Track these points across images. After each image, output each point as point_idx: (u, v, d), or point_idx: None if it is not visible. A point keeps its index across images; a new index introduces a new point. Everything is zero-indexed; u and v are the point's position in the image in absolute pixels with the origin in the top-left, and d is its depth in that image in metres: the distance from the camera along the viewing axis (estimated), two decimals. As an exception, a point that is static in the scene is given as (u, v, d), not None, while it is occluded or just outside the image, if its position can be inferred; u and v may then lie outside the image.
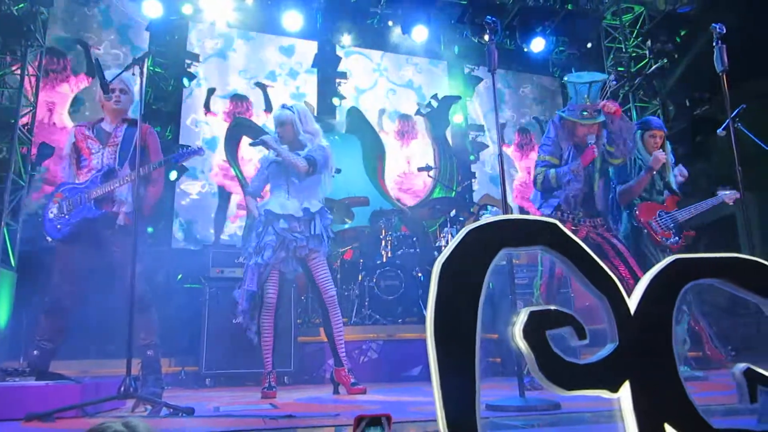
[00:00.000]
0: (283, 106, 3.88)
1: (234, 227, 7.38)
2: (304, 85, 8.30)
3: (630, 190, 4.06)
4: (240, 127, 7.74)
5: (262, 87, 8.01)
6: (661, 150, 4.11)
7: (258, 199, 4.01)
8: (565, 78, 3.88)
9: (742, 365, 1.21)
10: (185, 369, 5.00)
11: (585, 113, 3.64)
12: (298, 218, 3.66)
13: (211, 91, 7.76)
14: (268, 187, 3.98)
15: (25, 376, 2.86)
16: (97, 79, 3.15)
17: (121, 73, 3.28)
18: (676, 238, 4.08)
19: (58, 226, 3.26)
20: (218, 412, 2.77)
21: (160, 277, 6.25)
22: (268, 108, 7.90)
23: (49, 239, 3.30)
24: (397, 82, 8.84)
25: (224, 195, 7.48)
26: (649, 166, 3.96)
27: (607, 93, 3.79)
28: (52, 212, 3.29)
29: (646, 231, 4.06)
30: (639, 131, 4.14)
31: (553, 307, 1.15)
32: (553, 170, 3.70)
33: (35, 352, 3.15)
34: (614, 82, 3.90)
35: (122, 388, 2.59)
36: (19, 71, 6.22)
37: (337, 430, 2.11)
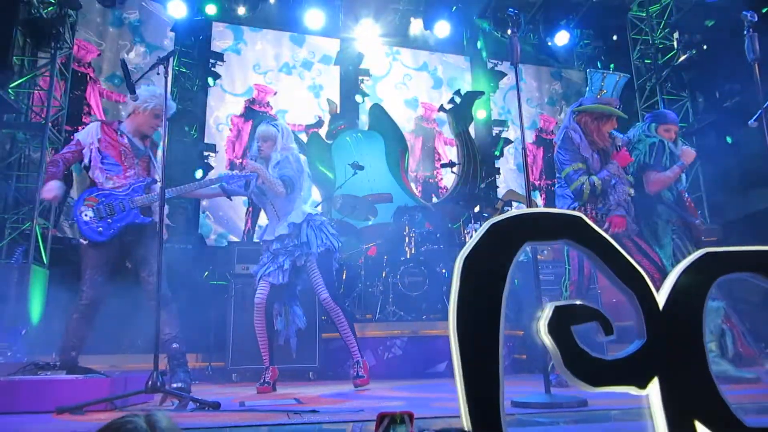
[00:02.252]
0: (268, 122, 4.05)
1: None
2: (327, 80, 8.34)
3: (664, 181, 3.81)
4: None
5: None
6: (687, 148, 3.98)
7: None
8: (594, 71, 3.82)
9: (776, 362, 1.18)
10: (212, 364, 5.07)
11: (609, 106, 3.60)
12: (287, 234, 3.85)
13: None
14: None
15: (56, 370, 2.93)
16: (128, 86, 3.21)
17: (146, 73, 3.31)
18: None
19: (100, 230, 3.31)
20: (244, 407, 2.80)
21: (187, 274, 6.34)
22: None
23: (85, 241, 3.32)
24: (419, 78, 8.81)
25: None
26: (682, 162, 3.83)
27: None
28: (87, 215, 3.31)
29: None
30: (653, 124, 4.02)
31: (578, 302, 1.13)
32: (594, 177, 3.59)
33: (73, 353, 3.22)
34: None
35: (150, 382, 2.63)
36: (48, 74, 6.36)
37: (361, 425, 2.11)
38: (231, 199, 4.33)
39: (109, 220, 3.33)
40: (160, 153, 3.59)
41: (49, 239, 6.15)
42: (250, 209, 7.42)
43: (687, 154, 3.87)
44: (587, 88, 3.72)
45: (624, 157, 3.61)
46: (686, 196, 4.02)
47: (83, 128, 3.59)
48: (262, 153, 3.93)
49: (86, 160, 3.39)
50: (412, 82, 8.78)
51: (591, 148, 3.66)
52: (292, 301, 4.11)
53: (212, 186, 3.77)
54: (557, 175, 3.84)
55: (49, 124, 6.17)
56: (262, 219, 7.38)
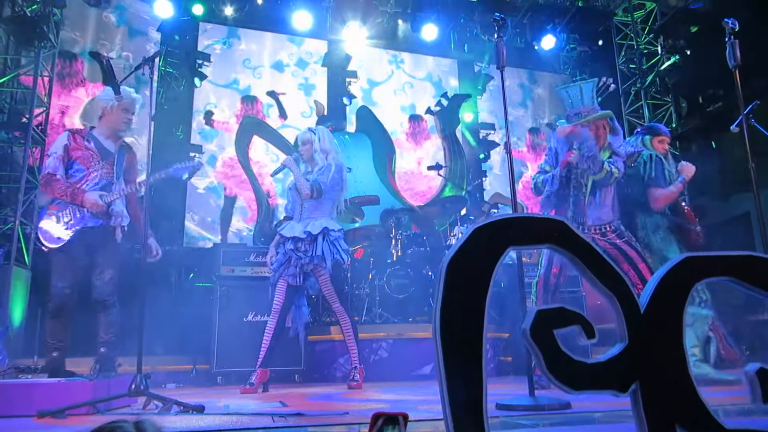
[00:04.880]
0: (308, 129, 4.44)
1: (242, 226, 7.41)
2: (314, 77, 8.33)
3: (669, 197, 3.89)
4: (251, 126, 7.77)
5: (275, 96, 8.04)
6: (686, 163, 4.00)
7: None
8: (558, 87, 3.91)
9: (755, 365, 1.19)
10: (197, 367, 5.03)
11: (581, 117, 3.64)
12: (302, 239, 4.11)
13: (209, 114, 7.75)
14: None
15: (38, 373, 2.90)
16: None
17: (131, 73, 3.32)
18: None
19: (57, 236, 3.43)
20: (228, 410, 2.78)
21: (172, 275, 6.30)
22: (283, 115, 7.94)
23: (45, 248, 3.45)
24: (407, 81, 8.82)
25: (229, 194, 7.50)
26: (683, 177, 3.89)
27: (602, 95, 3.76)
28: (47, 223, 3.45)
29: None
30: (647, 136, 4.07)
31: (561, 306, 1.14)
32: (541, 176, 3.81)
33: (54, 354, 3.24)
34: (613, 85, 3.84)
35: (133, 386, 2.61)
36: (32, 72, 6.28)
37: (347, 428, 2.11)
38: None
39: (65, 227, 3.43)
40: (141, 153, 3.67)
41: (31, 240, 6.07)
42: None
43: (687, 169, 3.92)
44: (567, 102, 3.75)
45: (563, 160, 3.67)
46: (684, 204, 4.08)
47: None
48: (304, 156, 4.29)
49: (56, 170, 3.49)
50: (413, 90, 8.80)
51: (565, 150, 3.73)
52: (300, 300, 4.38)
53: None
54: None
55: (33, 123, 6.10)
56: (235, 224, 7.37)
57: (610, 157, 3.70)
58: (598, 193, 3.71)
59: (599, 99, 3.75)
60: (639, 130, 4.23)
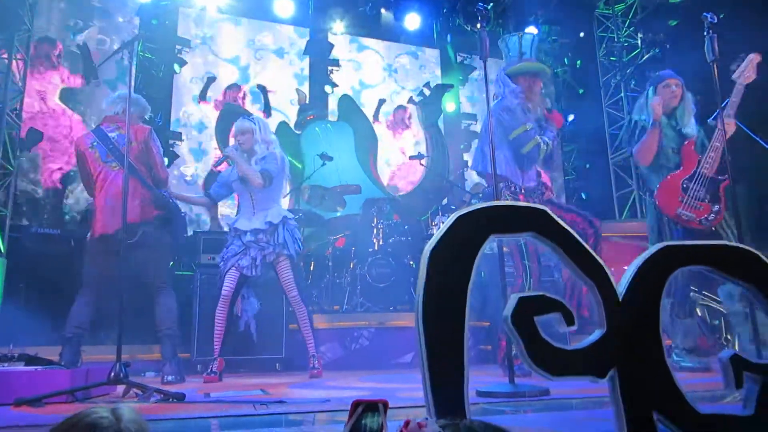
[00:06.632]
0: (245, 117, 4.38)
1: (227, 212, 7.36)
2: (298, 70, 8.27)
3: (642, 149, 3.69)
4: (231, 114, 7.67)
5: (263, 90, 7.96)
6: (657, 98, 3.72)
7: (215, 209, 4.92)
8: (505, 36, 3.90)
9: (729, 351, 1.23)
10: (177, 356, 4.99)
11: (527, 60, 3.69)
12: (263, 230, 4.09)
13: (211, 80, 7.70)
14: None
15: (14, 361, 2.86)
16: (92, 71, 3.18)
17: (109, 58, 3.26)
18: (716, 207, 3.56)
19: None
20: (209, 398, 2.78)
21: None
22: (267, 111, 7.86)
23: None
24: (388, 71, 8.80)
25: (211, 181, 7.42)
26: (652, 120, 3.63)
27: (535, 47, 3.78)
28: None
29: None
30: (650, 87, 3.86)
31: (541, 293, 1.16)
32: (545, 137, 3.68)
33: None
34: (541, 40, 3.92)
35: (112, 374, 2.59)
36: (6, 56, 6.13)
37: (328, 415, 2.12)
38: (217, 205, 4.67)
39: None
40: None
41: (6, 227, 5.95)
42: None
43: (653, 107, 3.66)
44: (506, 54, 3.78)
45: (558, 119, 3.66)
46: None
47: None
48: (243, 146, 4.18)
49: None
50: (401, 96, 8.77)
51: (527, 108, 3.73)
52: (250, 292, 4.46)
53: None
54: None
55: (7, 108, 5.96)
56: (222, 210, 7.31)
57: (541, 127, 3.66)
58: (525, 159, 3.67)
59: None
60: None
